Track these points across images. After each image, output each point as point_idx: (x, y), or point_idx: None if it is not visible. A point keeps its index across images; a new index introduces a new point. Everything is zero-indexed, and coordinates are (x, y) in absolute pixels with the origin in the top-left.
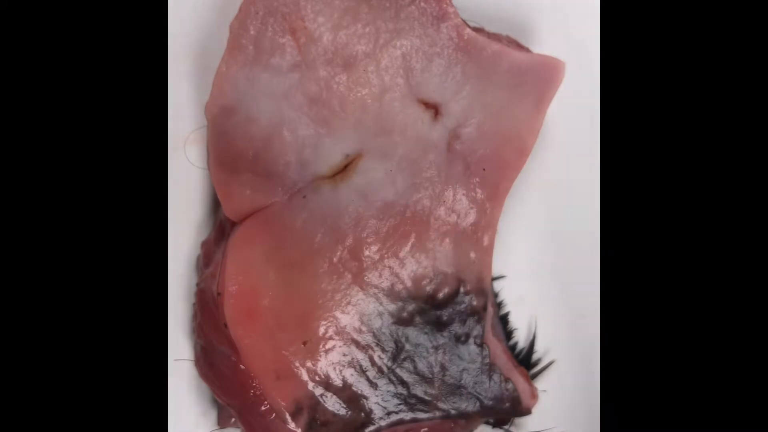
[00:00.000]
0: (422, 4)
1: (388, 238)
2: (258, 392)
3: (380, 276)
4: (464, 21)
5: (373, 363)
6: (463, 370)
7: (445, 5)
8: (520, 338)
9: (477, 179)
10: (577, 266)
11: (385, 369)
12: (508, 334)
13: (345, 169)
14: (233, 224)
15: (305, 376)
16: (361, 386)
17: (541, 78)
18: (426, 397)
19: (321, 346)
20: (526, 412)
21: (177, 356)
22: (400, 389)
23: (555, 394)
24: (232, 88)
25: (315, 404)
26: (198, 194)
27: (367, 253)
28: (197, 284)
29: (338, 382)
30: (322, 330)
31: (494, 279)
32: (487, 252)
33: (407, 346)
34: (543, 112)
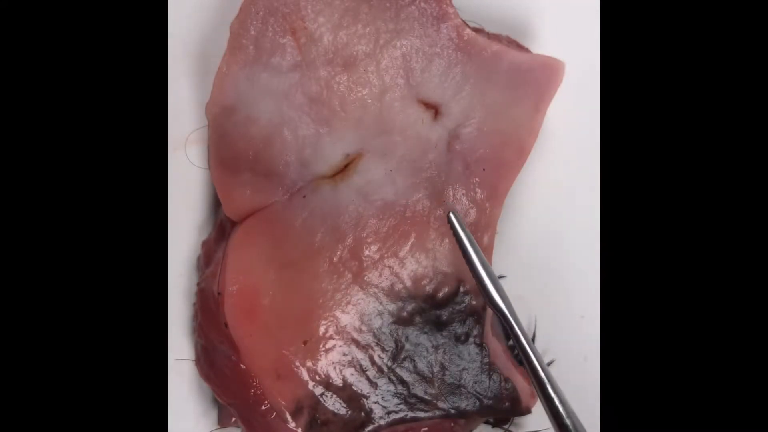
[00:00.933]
0: (422, 4)
1: (388, 237)
2: (258, 392)
3: (380, 275)
4: (464, 21)
5: (373, 362)
6: (463, 369)
7: (445, 5)
8: None
9: (477, 179)
10: (577, 266)
11: (385, 368)
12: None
13: (345, 168)
14: (233, 224)
15: (305, 376)
16: (361, 386)
17: (540, 78)
18: (426, 397)
19: (321, 346)
20: (526, 411)
21: (177, 356)
22: (400, 389)
23: None
24: (233, 88)
25: (315, 403)
26: (198, 194)
27: (367, 252)
28: (198, 284)
29: (338, 382)
30: (322, 329)
31: None
32: (487, 252)
33: (407, 346)
34: (542, 112)
